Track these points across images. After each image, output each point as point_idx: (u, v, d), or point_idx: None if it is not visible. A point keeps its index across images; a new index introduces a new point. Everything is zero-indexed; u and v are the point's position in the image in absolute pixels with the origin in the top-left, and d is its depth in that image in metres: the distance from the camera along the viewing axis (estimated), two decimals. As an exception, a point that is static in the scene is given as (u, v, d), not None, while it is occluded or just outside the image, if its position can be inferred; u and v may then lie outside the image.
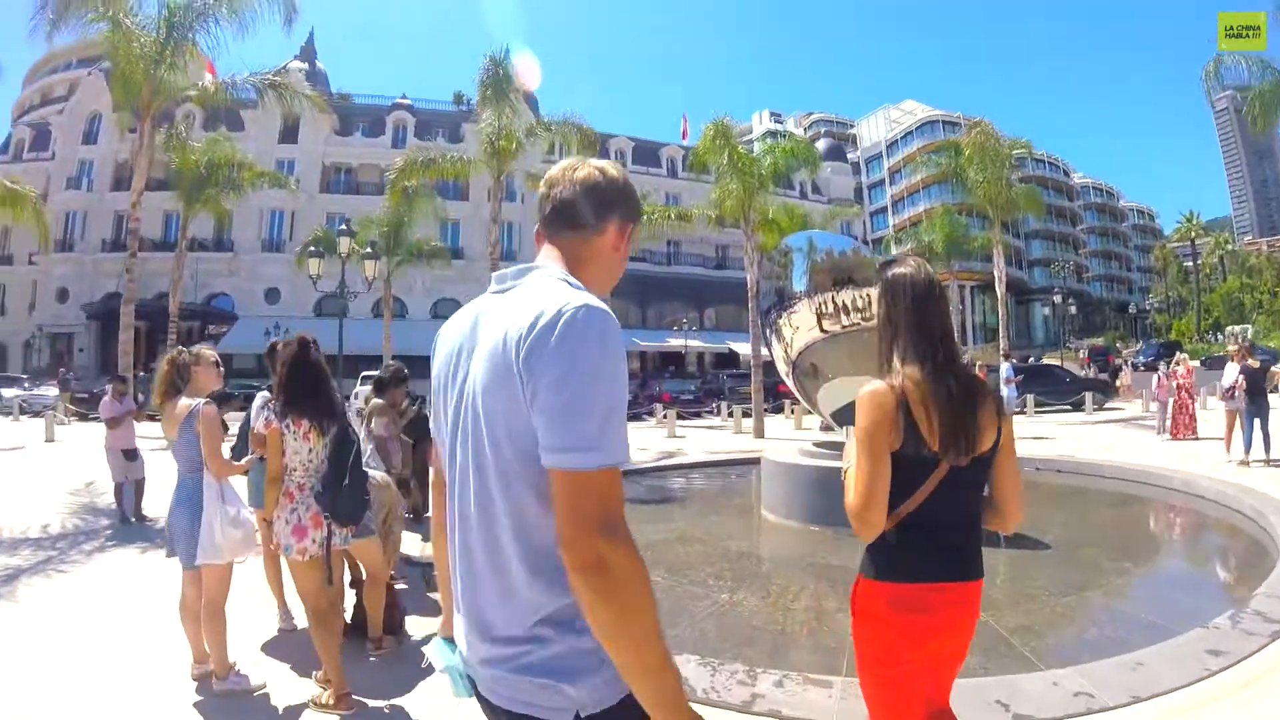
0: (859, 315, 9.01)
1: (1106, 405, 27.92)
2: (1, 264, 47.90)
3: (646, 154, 56.46)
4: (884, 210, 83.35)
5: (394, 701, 4.24)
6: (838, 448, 9.30)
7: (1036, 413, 25.95)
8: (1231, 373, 12.81)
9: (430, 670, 1.69)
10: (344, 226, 21.08)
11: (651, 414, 28.89)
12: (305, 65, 51.87)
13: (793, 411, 24.75)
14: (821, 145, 70.33)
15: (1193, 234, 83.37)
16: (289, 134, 47.30)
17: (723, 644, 5.16)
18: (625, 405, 1.38)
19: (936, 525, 2.22)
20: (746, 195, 21.33)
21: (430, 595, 5.99)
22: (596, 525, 1.27)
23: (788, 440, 14.50)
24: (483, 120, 20.58)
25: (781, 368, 10.57)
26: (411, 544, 7.12)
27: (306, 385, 4.29)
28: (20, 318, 46.15)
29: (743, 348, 47.09)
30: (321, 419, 4.28)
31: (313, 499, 4.20)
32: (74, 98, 49.60)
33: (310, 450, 4.25)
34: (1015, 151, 28.05)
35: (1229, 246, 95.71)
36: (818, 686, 4.13)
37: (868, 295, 8.86)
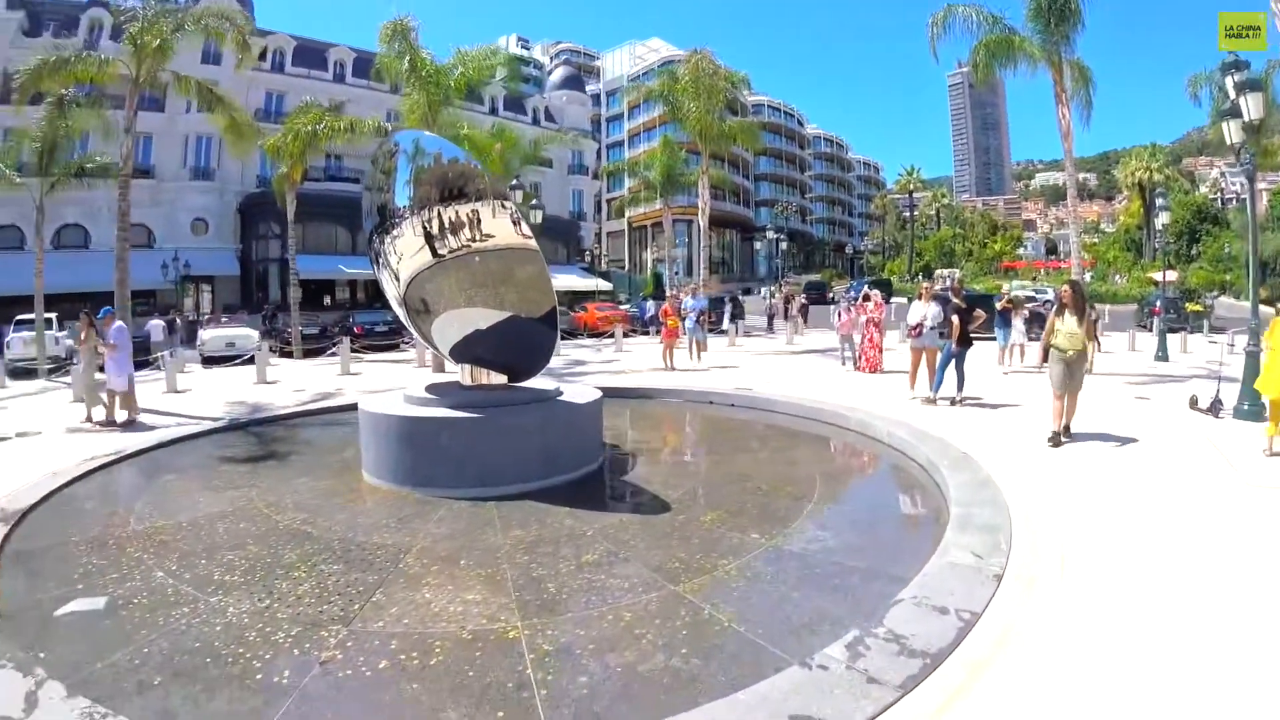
0: (469, 236, 7.15)
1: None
2: None
3: (310, 55, 48.99)
4: (620, 144, 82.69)
5: None
6: (449, 393, 7.96)
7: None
8: (918, 310, 12.25)
9: None
10: None
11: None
12: None
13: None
14: (560, 74, 68.44)
15: (911, 186, 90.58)
16: None
17: (151, 678, 3.79)
18: None
19: None
20: (431, 109, 18.63)
21: None
22: None
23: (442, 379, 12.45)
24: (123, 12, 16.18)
25: (395, 307, 8.56)
26: None
27: None
28: None
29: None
30: None
31: None
32: None
33: None
34: (733, 84, 27.18)
35: (946, 200, 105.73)
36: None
37: (475, 212, 7.10)
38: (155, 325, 28.69)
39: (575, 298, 46.69)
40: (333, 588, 4.85)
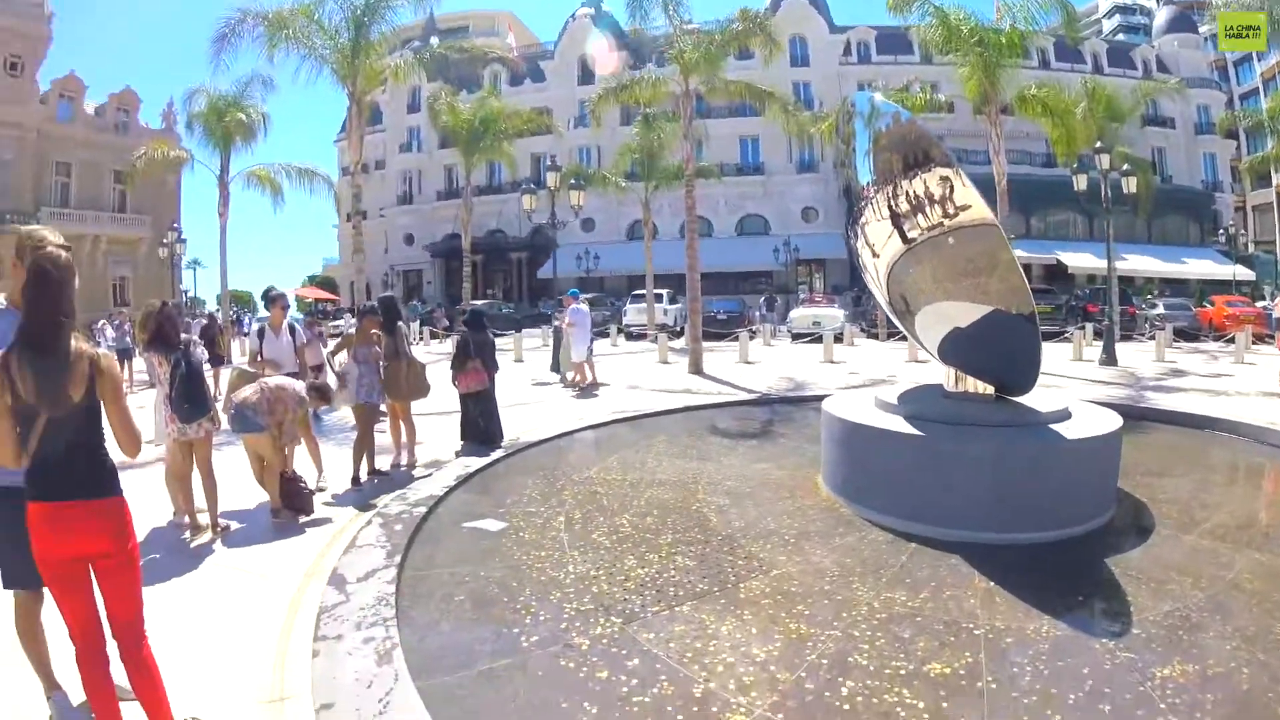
0: (941, 212, 5.73)
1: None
2: (361, 218, 56.21)
3: (893, 42, 46.89)
4: (1255, 92, 60.32)
5: (266, 546, 5.69)
6: (916, 401, 6.64)
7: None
8: None
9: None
10: (551, 162, 20.46)
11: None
12: (591, 10, 53.04)
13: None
14: (1165, 15, 54.56)
15: None
16: (588, 76, 48.32)
17: (454, 594, 4.75)
18: None
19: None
20: (987, 73, 16.72)
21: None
22: None
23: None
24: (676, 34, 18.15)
25: (887, 311, 7.59)
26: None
27: (156, 333, 6.08)
28: (377, 259, 53.02)
29: (1076, 259, 39.36)
30: (165, 353, 5.97)
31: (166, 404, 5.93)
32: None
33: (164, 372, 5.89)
34: None
35: None
36: None
37: (945, 181, 5.63)
38: (756, 301, 32.18)
39: (1207, 289, 38.08)
40: (652, 587, 4.63)
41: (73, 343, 2.80)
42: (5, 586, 3.30)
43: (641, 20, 17.39)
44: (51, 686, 3.37)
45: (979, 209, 5.62)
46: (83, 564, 2.83)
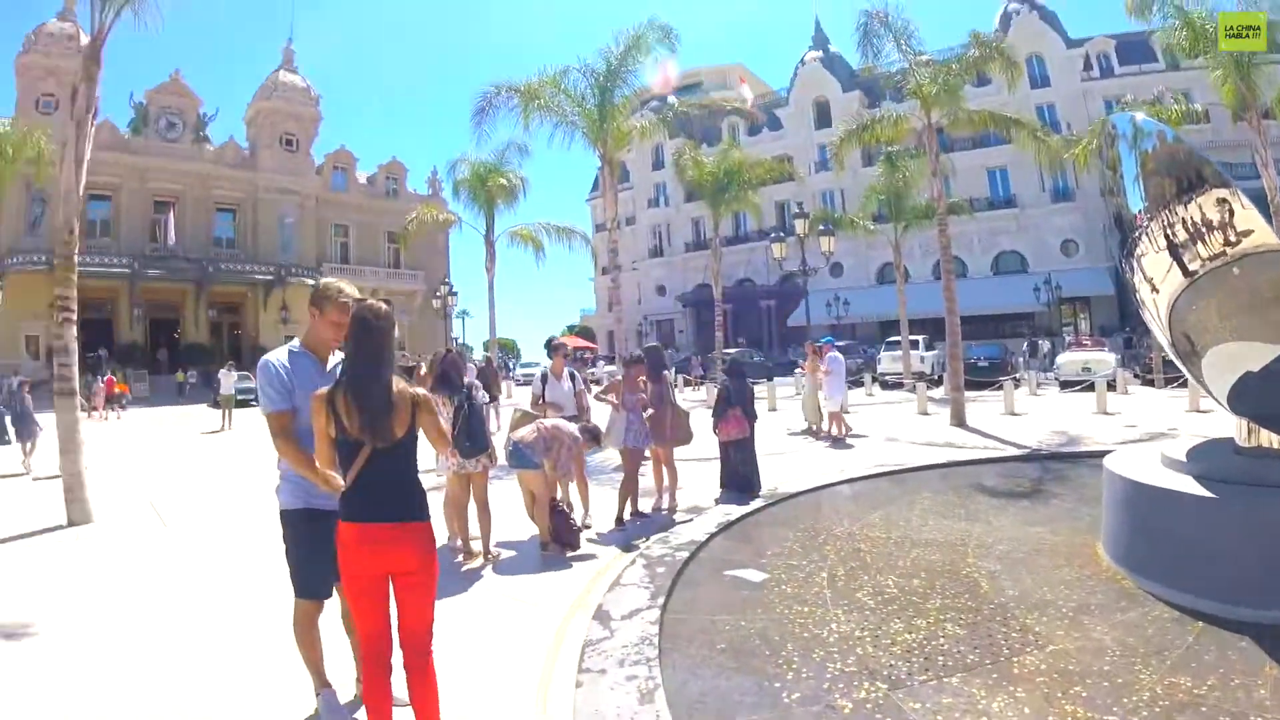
0: (1222, 240, 5.15)
1: None
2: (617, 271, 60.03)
3: (1135, 50, 41.08)
4: None
5: (533, 576, 6.27)
6: (1206, 457, 5.96)
7: None
8: None
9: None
10: (797, 209, 20.50)
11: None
12: (819, 53, 53.35)
13: None
14: None
15: None
16: (824, 120, 48.50)
17: (712, 652, 4.70)
18: (263, 393, 3.49)
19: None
20: (1239, 73, 14.86)
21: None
22: (272, 436, 3.46)
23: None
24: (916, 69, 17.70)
25: (1168, 350, 6.87)
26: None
27: (442, 376, 6.79)
28: (631, 310, 55.91)
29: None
30: (450, 394, 6.64)
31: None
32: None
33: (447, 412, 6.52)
34: None
35: None
36: None
37: (1223, 204, 5.09)
38: (1018, 346, 30.12)
39: None
40: (919, 654, 4.45)
41: (395, 384, 3.11)
42: (298, 596, 3.69)
43: (873, 58, 17.12)
44: (322, 684, 3.73)
45: (1263, 233, 5.01)
46: (386, 579, 3.12)
